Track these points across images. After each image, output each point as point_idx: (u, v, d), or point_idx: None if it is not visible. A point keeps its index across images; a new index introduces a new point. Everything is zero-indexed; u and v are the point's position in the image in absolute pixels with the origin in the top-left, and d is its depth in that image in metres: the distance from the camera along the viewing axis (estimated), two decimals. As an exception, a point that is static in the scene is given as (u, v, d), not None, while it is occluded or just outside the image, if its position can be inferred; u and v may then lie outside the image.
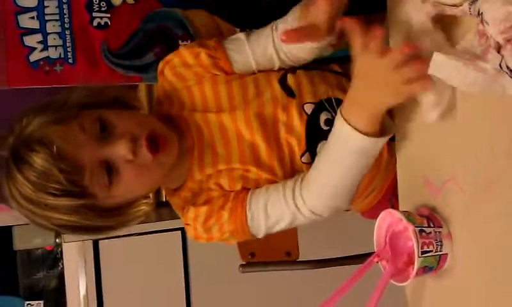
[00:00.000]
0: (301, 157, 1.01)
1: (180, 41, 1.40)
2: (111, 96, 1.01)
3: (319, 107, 1.02)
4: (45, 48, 1.35)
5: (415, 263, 0.74)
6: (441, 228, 0.77)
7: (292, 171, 1.01)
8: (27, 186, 0.90)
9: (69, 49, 1.38)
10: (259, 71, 1.06)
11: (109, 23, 1.34)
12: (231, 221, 0.97)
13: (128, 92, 1.08)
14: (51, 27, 1.34)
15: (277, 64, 1.05)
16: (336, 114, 0.94)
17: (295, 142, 1.00)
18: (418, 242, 0.74)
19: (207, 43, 1.06)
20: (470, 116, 0.72)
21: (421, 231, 0.75)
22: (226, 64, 1.04)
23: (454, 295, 0.78)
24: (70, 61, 1.39)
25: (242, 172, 1.00)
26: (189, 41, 1.41)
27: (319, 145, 1.00)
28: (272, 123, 1.01)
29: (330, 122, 0.99)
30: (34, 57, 1.35)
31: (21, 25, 1.33)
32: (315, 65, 1.08)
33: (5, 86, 1.36)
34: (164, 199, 1.38)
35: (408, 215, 0.76)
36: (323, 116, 1.02)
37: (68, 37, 1.36)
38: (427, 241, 0.75)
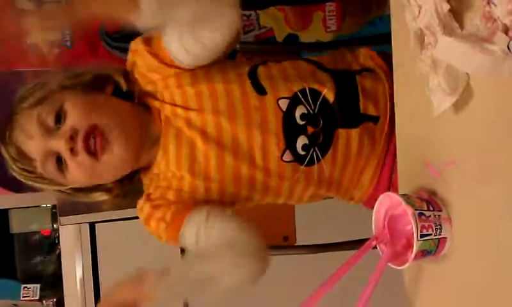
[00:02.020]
0: (281, 156, 1.00)
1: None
2: (87, 78, 1.02)
3: (294, 101, 1.01)
4: (43, 30, 1.34)
5: (414, 246, 0.74)
6: (441, 211, 0.76)
7: (269, 179, 1.01)
8: (9, 165, 1.02)
9: (67, 32, 1.37)
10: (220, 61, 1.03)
11: (107, 5, 1.34)
12: (166, 234, 1.02)
13: (113, 69, 1.06)
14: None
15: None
16: (311, 106, 0.99)
17: (273, 143, 1.00)
18: (417, 225, 0.73)
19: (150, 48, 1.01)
20: (471, 98, 0.72)
21: (420, 214, 0.74)
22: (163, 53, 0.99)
23: (452, 279, 0.78)
24: (68, 43, 1.38)
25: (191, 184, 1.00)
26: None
27: (298, 140, 1.00)
28: (245, 130, 0.99)
29: (306, 116, 1.01)
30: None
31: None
32: (287, 56, 1.09)
33: (5, 67, 1.35)
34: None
35: (407, 199, 0.76)
36: (299, 110, 1.01)
37: (65, 19, 1.34)
38: (426, 224, 0.74)
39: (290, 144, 1.00)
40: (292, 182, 1.03)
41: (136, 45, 1.02)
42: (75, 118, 0.96)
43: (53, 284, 2.04)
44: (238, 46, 1.26)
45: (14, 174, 1.02)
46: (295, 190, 1.05)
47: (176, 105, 1.01)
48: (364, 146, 1.03)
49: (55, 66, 1.37)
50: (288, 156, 1.00)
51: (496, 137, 0.70)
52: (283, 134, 1.00)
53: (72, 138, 0.95)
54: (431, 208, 0.76)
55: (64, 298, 1.86)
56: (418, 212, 0.74)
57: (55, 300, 1.97)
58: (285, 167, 1.01)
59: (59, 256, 1.93)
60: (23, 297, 1.91)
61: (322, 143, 1.02)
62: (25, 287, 1.91)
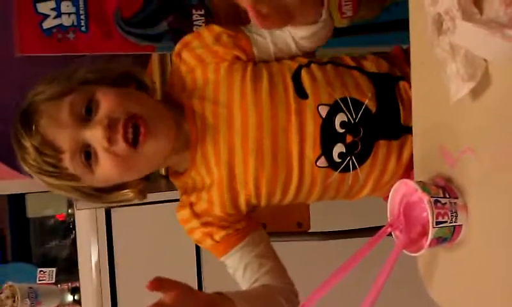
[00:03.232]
0: (315, 161, 0.99)
1: (193, 11, 1.39)
2: (116, 73, 1.01)
3: (334, 108, 0.99)
4: (58, 15, 1.35)
5: (429, 233, 0.73)
6: (457, 198, 0.76)
7: (302, 183, 1.00)
8: (25, 163, 0.96)
9: (82, 17, 1.37)
10: (276, 59, 1.04)
11: (123, -10, 1.34)
12: (211, 249, 1.03)
13: (137, 68, 1.05)
14: (64, -7, 1.33)
15: (293, 47, 1.03)
16: (352, 115, 0.97)
17: (309, 148, 0.98)
18: (433, 212, 0.73)
19: (227, 26, 1.04)
20: (489, 85, 0.71)
21: (436, 201, 0.74)
22: (246, 44, 1.02)
23: (467, 267, 0.77)
24: (83, 28, 1.39)
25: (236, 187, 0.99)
26: (203, 11, 1.40)
27: (335, 148, 0.99)
28: (283, 130, 0.98)
29: (346, 124, 0.99)
30: (47, 24, 1.35)
31: (34, -8, 1.33)
32: (328, 58, 1.06)
33: (18, 53, 1.36)
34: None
35: (423, 185, 0.75)
36: (339, 118, 0.99)
37: (81, 4, 1.35)
38: (442, 212, 0.74)
39: (325, 151, 0.99)
40: (323, 187, 1.02)
41: (210, 27, 1.04)
42: (109, 106, 0.92)
43: (68, 269, 2.06)
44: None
45: (31, 169, 0.95)
46: (324, 196, 1.04)
47: (218, 103, 0.99)
48: (403, 159, 1.02)
49: (71, 56, 1.36)
50: (322, 162, 0.99)
51: (514, 125, 0.69)
52: (320, 140, 0.98)
53: (110, 126, 0.91)
54: (447, 196, 0.75)
55: (80, 283, 1.88)
56: (434, 199, 0.74)
57: (69, 284, 1.99)
58: (318, 172, 1.00)
59: (73, 241, 1.95)
60: (39, 280, 1.93)
61: (361, 153, 1.00)
62: (41, 270, 1.93)
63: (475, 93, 0.72)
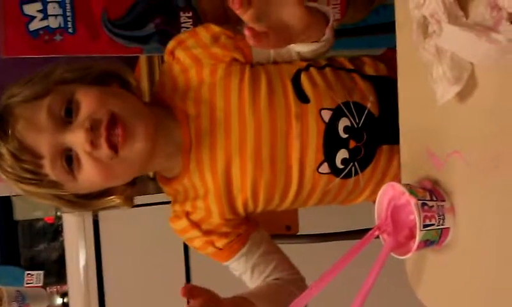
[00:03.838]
0: (317, 168, 0.97)
1: (181, 13, 1.38)
2: (96, 71, 0.96)
3: (337, 113, 0.96)
4: (45, 17, 1.33)
5: (417, 236, 0.74)
6: (444, 201, 0.76)
7: (301, 189, 0.98)
8: (2, 171, 0.90)
9: (69, 19, 1.36)
10: (274, 62, 1.00)
11: (110, -8, 1.33)
12: (213, 256, 1.02)
13: (118, 65, 1.00)
14: (51, -5, 1.32)
15: (294, 54, 1.00)
16: (355, 119, 0.94)
17: (311, 154, 0.96)
18: (420, 215, 0.73)
19: (224, 25, 1.01)
20: (476, 88, 0.71)
21: (423, 204, 0.74)
22: (245, 46, 0.98)
23: (455, 270, 0.78)
24: (70, 30, 1.37)
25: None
26: (191, 13, 1.39)
27: (338, 154, 0.96)
28: (283, 135, 0.95)
29: (349, 129, 0.96)
30: (33, 26, 1.33)
31: (20, -7, 1.32)
32: (325, 60, 1.03)
33: (4, 55, 1.34)
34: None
35: (410, 189, 0.75)
36: (342, 123, 0.96)
37: (68, 6, 1.34)
38: (429, 214, 0.74)
39: (328, 157, 0.96)
40: (322, 193, 1.00)
41: (208, 26, 1.00)
42: (91, 106, 0.86)
43: (57, 271, 2.05)
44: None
45: (8, 177, 0.89)
46: (322, 201, 1.03)
47: (215, 106, 0.95)
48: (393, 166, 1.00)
49: (57, 58, 1.33)
50: (324, 168, 0.97)
51: (500, 127, 0.69)
52: (322, 146, 0.96)
53: (92, 129, 0.85)
54: (434, 198, 0.76)
55: (68, 286, 1.87)
56: (421, 202, 0.74)
57: (58, 287, 1.98)
58: (319, 179, 0.98)
59: (62, 243, 1.94)
60: (26, 283, 1.92)
61: (363, 158, 0.98)
62: (29, 274, 1.92)
63: (462, 96, 0.72)
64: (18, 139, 0.87)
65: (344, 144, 0.96)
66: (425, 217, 0.74)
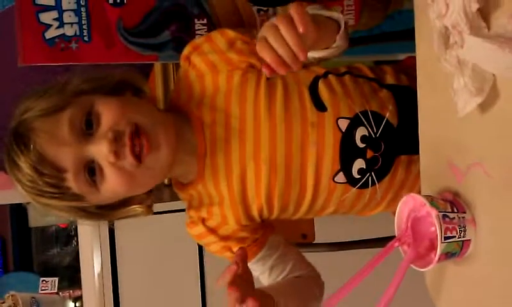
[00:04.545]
0: (333, 177, 0.96)
1: (196, 20, 1.38)
2: (112, 81, 0.96)
3: (355, 121, 0.95)
4: (61, 25, 1.34)
5: (438, 249, 0.73)
6: (465, 213, 0.75)
7: (316, 199, 0.98)
8: (21, 185, 0.89)
9: (84, 27, 1.37)
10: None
11: (125, 0, 1.33)
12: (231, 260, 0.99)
13: (132, 74, 1.00)
14: (66, 4, 1.32)
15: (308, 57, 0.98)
16: (373, 129, 0.93)
17: (327, 163, 0.95)
18: (441, 227, 0.72)
19: (239, 30, 1.00)
20: (497, 99, 0.70)
21: (444, 216, 0.73)
22: None
23: (476, 282, 0.77)
24: (86, 38, 1.38)
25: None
26: (205, 20, 1.40)
27: (355, 164, 0.95)
28: (299, 143, 0.94)
29: (366, 139, 0.95)
30: (49, 34, 1.34)
31: (37, 2, 1.33)
32: (345, 68, 1.02)
33: (20, 63, 1.35)
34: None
35: (431, 200, 0.75)
36: (359, 132, 0.95)
37: (83, 14, 1.35)
38: (450, 226, 0.73)
39: (345, 167, 0.95)
40: (337, 203, 0.99)
41: (223, 31, 1.00)
42: (112, 118, 0.87)
43: (70, 276, 2.06)
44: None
45: (27, 192, 0.88)
46: (338, 211, 1.02)
47: (230, 114, 0.95)
48: (412, 174, 0.99)
49: (73, 68, 1.32)
50: (340, 177, 0.96)
51: (523, 139, 0.68)
52: (339, 156, 0.95)
53: (116, 140, 0.86)
54: (455, 210, 0.75)
55: (82, 291, 1.87)
56: (442, 213, 0.73)
57: (71, 291, 1.99)
58: (334, 188, 0.97)
59: (75, 247, 1.95)
60: (41, 289, 1.93)
61: (380, 168, 0.97)
62: (44, 280, 1.93)
63: (483, 107, 0.71)
64: (39, 152, 0.86)
65: (360, 153, 0.95)
66: (447, 229, 0.73)
